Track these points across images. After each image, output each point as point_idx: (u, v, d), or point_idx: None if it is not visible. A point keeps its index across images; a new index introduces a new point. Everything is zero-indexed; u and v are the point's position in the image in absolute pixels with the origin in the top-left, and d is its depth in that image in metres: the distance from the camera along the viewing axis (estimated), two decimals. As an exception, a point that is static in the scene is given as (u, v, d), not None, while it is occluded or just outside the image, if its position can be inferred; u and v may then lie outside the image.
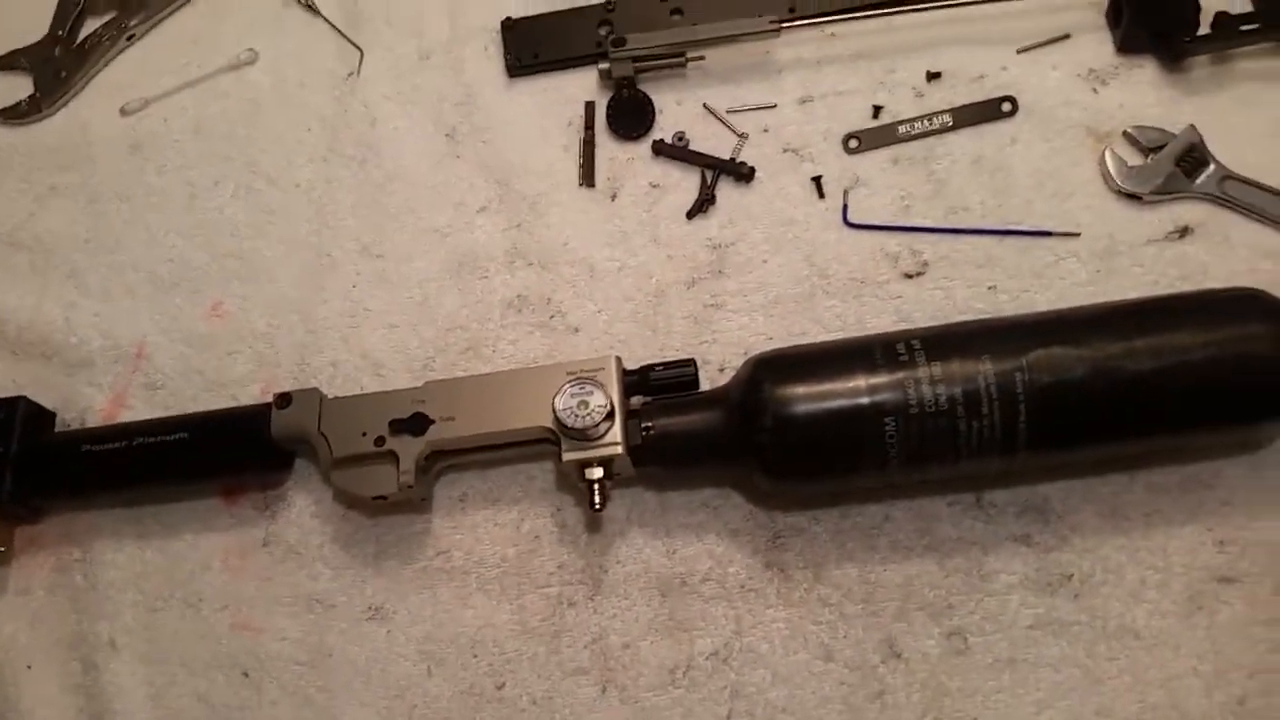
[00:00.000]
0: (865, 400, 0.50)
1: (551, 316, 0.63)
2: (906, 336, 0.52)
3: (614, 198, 0.65)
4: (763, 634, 0.55)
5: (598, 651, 0.56)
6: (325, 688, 0.57)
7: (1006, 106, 0.62)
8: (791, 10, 0.64)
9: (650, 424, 0.54)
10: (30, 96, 0.72)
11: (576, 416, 0.53)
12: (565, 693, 0.56)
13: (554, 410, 0.53)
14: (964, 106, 0.63)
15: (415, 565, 0.59)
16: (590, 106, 0.66)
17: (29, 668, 0.60)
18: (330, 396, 0.59)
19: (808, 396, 0.51)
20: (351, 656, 0.58)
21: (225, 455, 0.59)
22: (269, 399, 0.60)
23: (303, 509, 0.61)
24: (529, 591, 0.58)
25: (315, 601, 0.59)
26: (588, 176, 0.64)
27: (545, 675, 0.56)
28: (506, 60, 0.68)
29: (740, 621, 0.56)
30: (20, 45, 0.74)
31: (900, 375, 0.50)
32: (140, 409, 0.64)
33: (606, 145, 0.66)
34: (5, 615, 0.62)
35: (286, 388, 0.60)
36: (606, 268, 0.63)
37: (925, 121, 0.62)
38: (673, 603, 0.56)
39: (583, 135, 0.65)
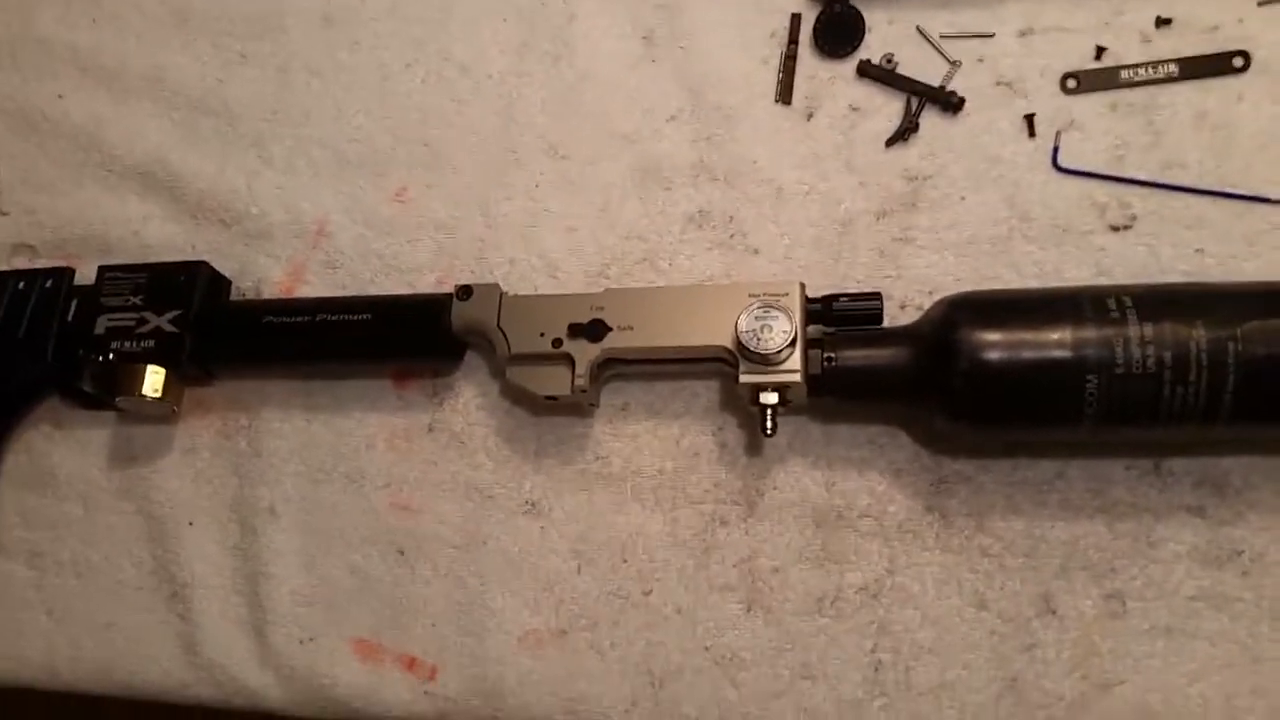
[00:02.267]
0: (1069, 354, 0.53)
1: (732, 235, 0.67)
2: (1117, 292, 0.54)
3: (810, 117, 0.68)
4: (915, 575, 0.60)
5: (746, 571, 0.62)
6: (478, 573, 0.64)
7: (1238, 62, 0.63)
8: (1021, -66, 0.65)
9: (833, 355, 0.58)
10: (228, -39, 0.77)
11: (759, 340, 0.57)
12: (710, 607, 0.61)
13: (736, 331, 0.58)
14: (1192, 58, 0.63)
15: (574, 466, 0.65)
16: (796, 19, 0.68)
17: (190, 524, 0.68)
18: (509, 293, 0.64)
19: (1007, 343, 0.54)
20: (505, 546, 0.64)
21: (404, 340, 0.65)
22: (445, 288, 0.65)
23: (469, 399, 0.67)
24: (683, 505, 0.63)
25: (474, 490, 0.66)
26: (785, 93, 0.68)
27: (692, 588, 0.62)
28: (714, -39, 0.70)
29: (894, 560, 0.60)
30: (220, -90, 0.79)
31: (1109, 332, 0.53)
32: (317, 286, 0.71)
33: (808, 61, 0.68)
34: (170, 472, 0.70)
35: (463, 279, 0.66)
36: (794, 190, 0.66)
37: (1150, 69, 0.63)
38: (826, 534, 0.61)
39: (785, 49, 0.68)
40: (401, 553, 0.65)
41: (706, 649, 0.61)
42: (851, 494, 0.62)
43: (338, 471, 0.67)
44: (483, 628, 0.63)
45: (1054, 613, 0.58)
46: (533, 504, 0.65)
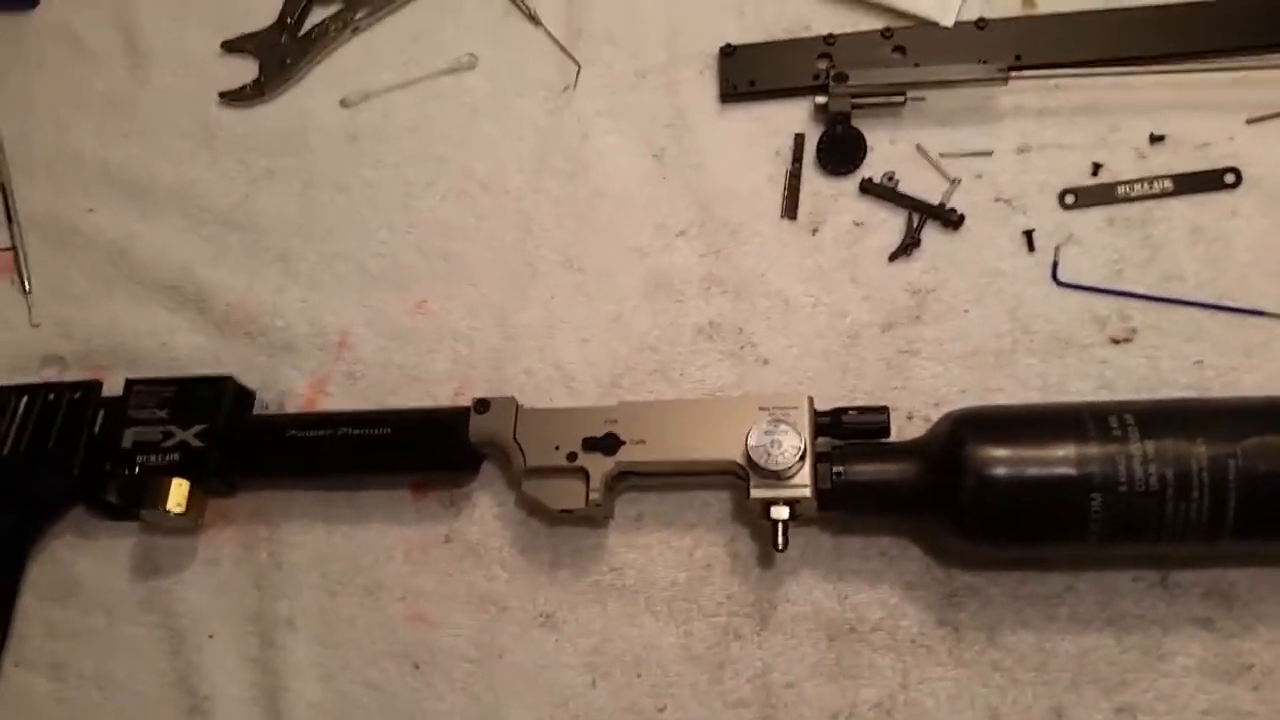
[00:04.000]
0: (1073, 471, 0.56)
1: (742, 346, 0.70)
2: (1119, 409, 0.57)
3: (815, 232, 0.72)
4: (929, 690, 0.62)
5: (760, 687, 0.64)
6: (492, 687, 0.66)
7: (1230, 178, 0.67)
8: (1018, 58, 0.70)
9: (842, 469, 0.61)
10: (255, 81, 0.83)
11: (769, 456, 0.60)
12: (725, 723, 0.64)
13: (746, 447, 0.61)
14: (1186, 174, 0.67)
15: (588, 578, 0.67)
16: (800, 139, 0.73)
17: (211, 637, 0.71)
18: (525, 406, 0.68)
19: (1012, 460, 0.57)
20: (520, 660, 0.67)
21: (423, 453, 0.69)
22: (463, 398, 0.69)
23: (485, 510, 0.70)
24: (696, 618, 0.66)
25: (490, 602, 0.68)
26: (790, 209, 0.72)
27: (706, 704, 0.64)
28: (721, 86, 0.76)
29: (908, 675, 0.62)
30: (249, 31, 0.85)
31: (1111, 449, 0.55)
32: (339, 397, 0.74)
33: (812, 179, 0.73)
34: (192, 583, 0.72)
35: (481, 389, 0.70)
36: (802, 302, 0.70)
37: (1145, 184, 0.68)
38: (840, 648, 0.63)
39: (789, 167, 0.73)
40: (417, 666, 0.68)
41: (721, 766, 0.63)
42: (864, 607, 0.64)
43: (355, 583, 0.70)
44: (498, 744, 0.66)
45: (1067, 727, 0.60)
46: (547, 616, 0.67)
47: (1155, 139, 0.68)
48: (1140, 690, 0.60)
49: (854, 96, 0.70)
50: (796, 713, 0.63)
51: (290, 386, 0.75)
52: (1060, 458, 0.56)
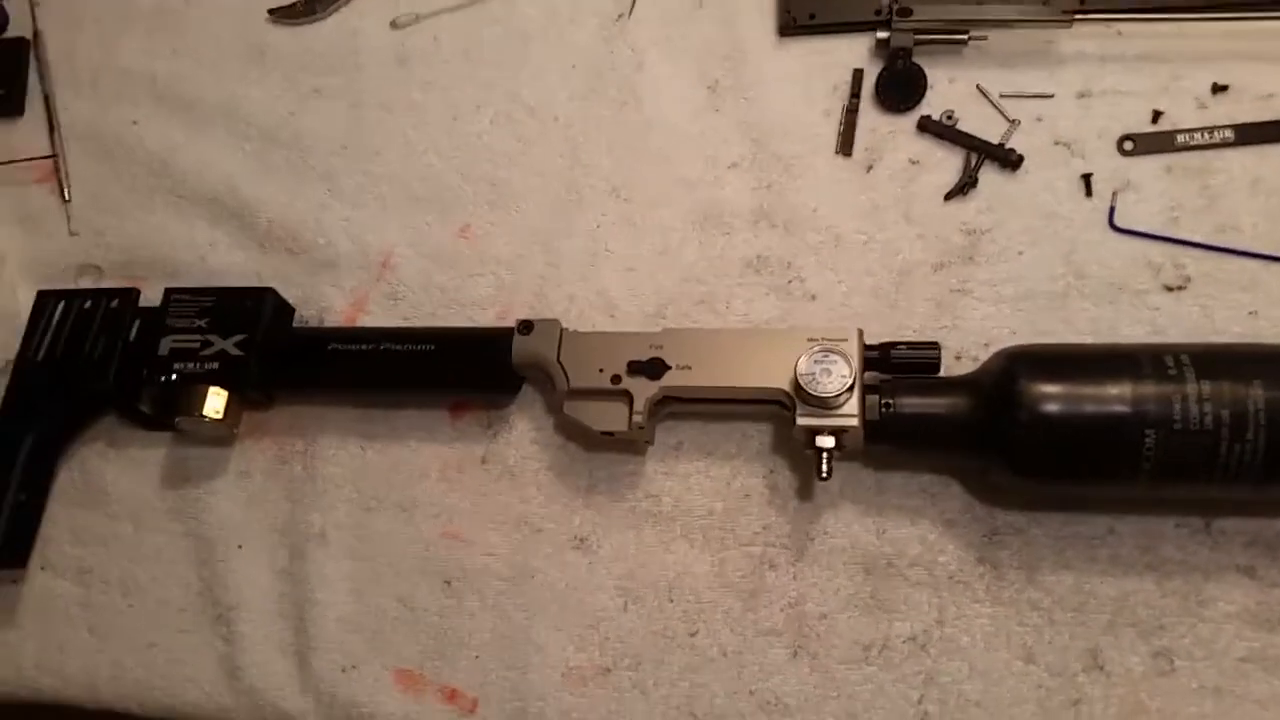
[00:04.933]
0: (1128, 409, 0.56)
1: (790, 281, 0.71)
2: (1175, 350, 0.58)
3: (870, 169, 0.72)
4: (965, 627, 0.62)
5: (793, 616, 0.64)
6: (524, 606, 0.67)
7: (1294, 128, 0.68)
8: (1081, 1, 0.70)
9: (891, 401, 0.61)
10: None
11: (818, 383, 0.61)
12: (756, 650, 0.64)
13: (795, 373, 0.61)
14: (1248, 124, 0.68)
15: (624, 504, 0.68)
16: (859, 74, 0.73)
17: (240, 546, 0.72)
18: (569, 330, 0.68)
19: (1067, 397, 0.58)
20: (552, 581, 0.68)
21: (465, 372, 0.69)
22: (505, 323, 0.70)
23: (523, 433, 0.71)
24: (732, 547, 0.66)
25: (524, 523, 0.69)
26: (846, 145, 0.72)
27: (738, 630, 0.65)
28: (780, 17, 0.76)
29: (944, 611, 0.63)
30: (302, -51, 0.86)
31: (1168, 389, 0.56)
32: (379, 317, 0.75)
33: (869, 116, 0.73)
34: (224, 493, 0.73)
35: (524, 315, 0.70)
36: (853, 239, 0.71)
37: (1206, 134, 0.68)
38: (876, 582, 0.64)
39: (847, 102, 0.73)
40: (449, 584, 0.69)
41: (751, 693, 0.64)
42: (903, 542, 0.65)
43: (390, 500, 0.71)
44: (526, 662, 0.66)
45: (1102, 669, 0.60)
46: (581, 539, 0.68)
47: (1218, 89, 0.69)
48: (1178, 635, 0.60)
49: (916, 32, 0.71)
50: (828, 643, 0.64)
51: (330, 304, 0.76)
52: (1115, 395, 0.57)
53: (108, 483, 0.75)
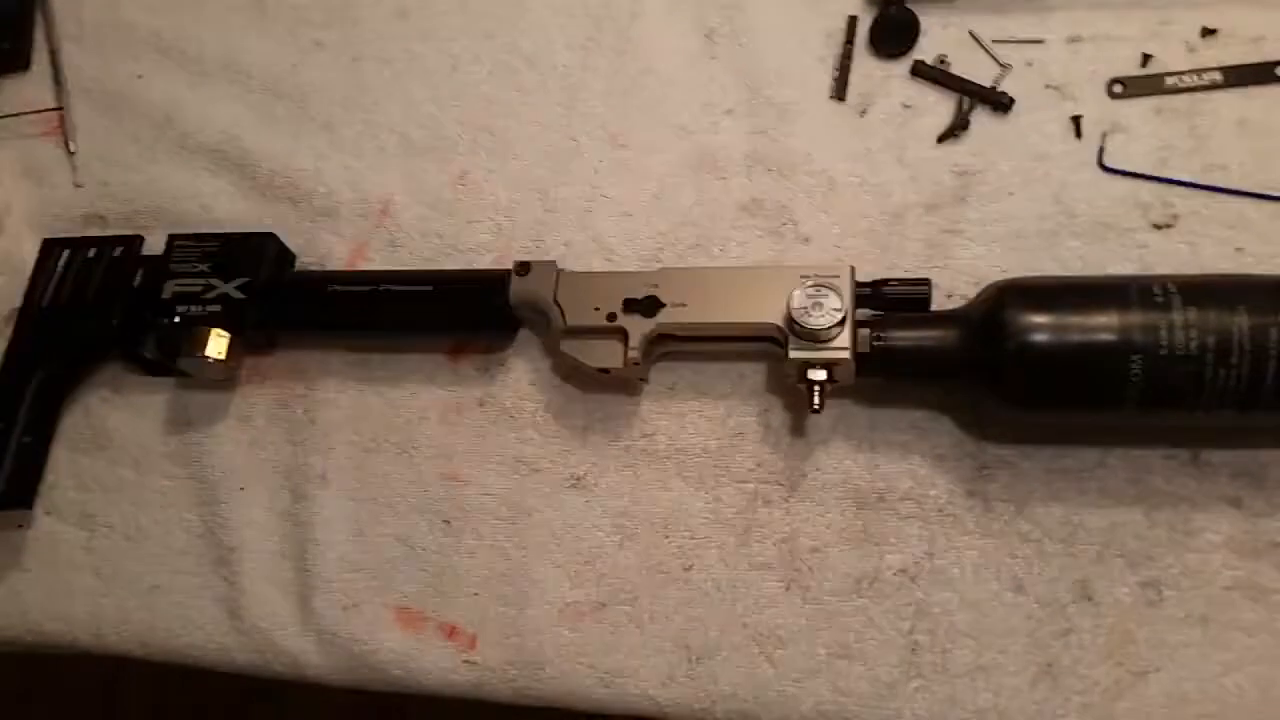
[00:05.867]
0: (1114, 337, 0.57)
1: (784, 224, 0.73)
2: (1162, 280, 0.59)
3: (863, 114, 0.74)
4: (955, 559, 0.64)
5: (786, 551, 0.66)
6: (521, 544, 0.69)
7: (1281, 71, 0.69)
8: (1072, -53, 0.72)
9: (882, 334, 0.63)
10: (306, -48, 0.85)
11: (810, 316, 0.62)
12: (749, 584, 0.66)
13: (788, 307, 0.63)
14: (1236, 66, 0.69)
15: (620, 443, 0.70)
16: (853, 20, 0.75)
17: (241, 489, 0.73)
18: (566, 270, 0.70)
19: (1054, 326, 0.59)
20: (549, 519, 0.69)
21: (463, 313, 0.71)
22: (504, 268, 0.71)
23: (520, 375, 0.72)
24: (726, 484, 0.68)
25: (522, 463, 0.71)
26: (840, 90, 0.74)
27: (732, 565, 0.66)
28: (776, -35, 0.77)
29: (934, 543, 0.64)
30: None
31: (1154, 316, 0.57)
32: (379, 263, 0.77)
33: (863, 61, 0.75)
34: (225, 437, 0.75)
35: (521, 260, 0.71)
36: (846, 182, 0.72)
37: (1194, 76, 0.69)
38: (867, 516, 0.66)
39: (841, 48, 0.75)
40: (448, 523, 0.70)
41: (744, 625, 0.65)
42: (893, 477, 0.66)
43: (390, 442, 0.73)
44: (524, 599, 0.68)
45: (1090, 599, 0.62)
46: (578, 478, 0.70)
47: (1207, 32, 0.70)
48: (1166, 565, 0.62)
49: (908, -23, 0.72)
50: (821, 576, 0.65)
51: (330, 251, 0.78)
52: (1102, 323, 0.58)
53: (111, 428, 0.77)
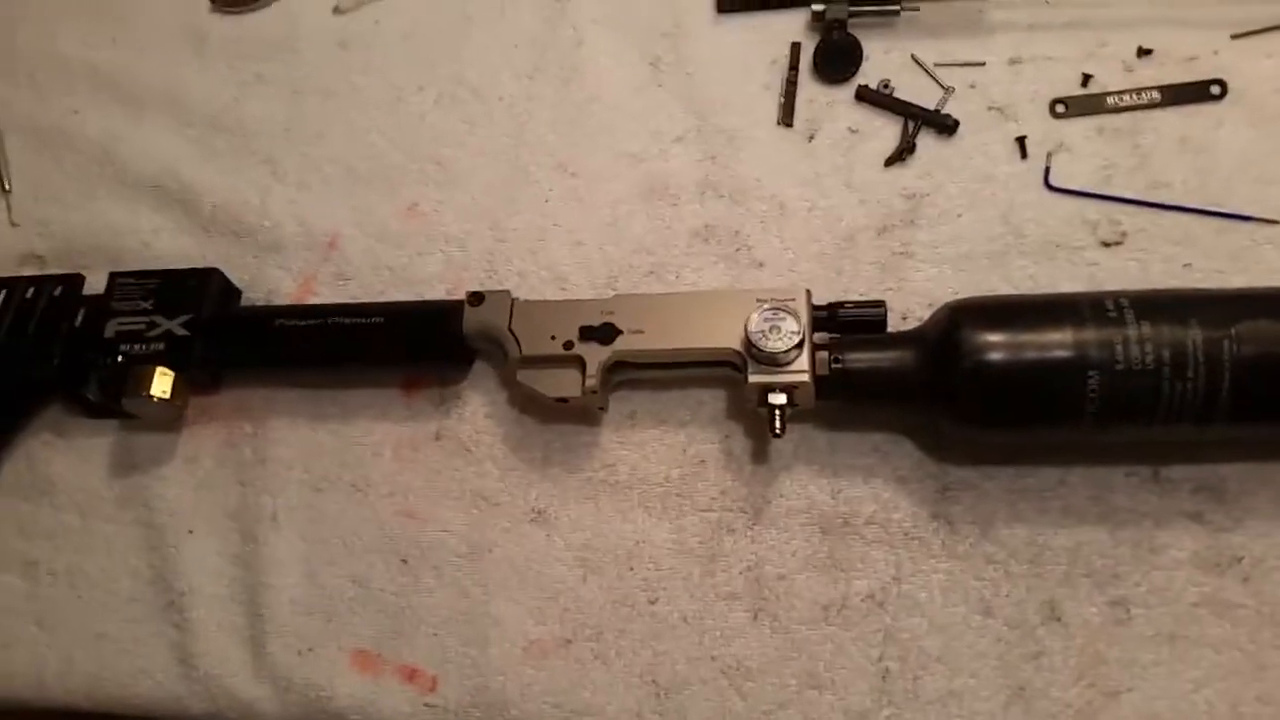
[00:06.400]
0: (1070, 353, 0.54)
1: (737, 249, 0.68)
2: (1114, 295, 0.56)
3: (811, 139, 0.70)
4: (922, 583, 0.60)
5: (752, 579, 0.61)
6: (481, 582, 0.63)
7: (1216, 90, 0.66)
8: (1011, -28, 0.69)
9: (840, 356, 0.59)
10: (245, -14, 0.80)
11: (768, 339, 0.58)
12: (716, 615, 0.61)
13: (745, 331, 0.59)
14: (1174, 85, 0.67)
15: (580, 475, 0.65)
16: (796, 47, 0.71)
17: (190, 532, 0.67)
18: (520, 299, 0.65)
19: (1009, 345, 0.55)
20: (510, 555, 0.64)
21: (415, 345, 0.65)
22: (457, 298, 0.66)
23: (477, 408, 0.67)
24: (689, 513, 0.63)
25: (481, 498, 0.65)
26: (787, 115, 0.70)
27: (698, 596, 0.61)
28: (718, -4, 0.74)
29: (900, 568, 0.60)
30: (240, -61, 0.82)
31: (1109, 331, 0.54)
32: (328, 297, 0.71)
33: (808, 87, 0.71)
34: (172, 480, 0.69)
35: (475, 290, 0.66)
36: (797, 207, 0.68)
37: (1134, 95, 0.67)
38: (833, 541, 0.61)
39: (786, 75, 0.71)
40: (405, 561, 0.64)
41: (713, 658, 0.60)
42: (857, 501, 0.62)
43: (343, 480, 0.67)
44: (485, 638, 0.62)
45: (1059, 620, 0.58)
46: (539, 512, 0.64)
47: (1143, 52, 0.68)
48: (1133, 584, 0.58)
49: (851, 4, 0.69)
50: (788, 604, 0.61)
51: (277, 286, 0.72)
52: (1057, 340, 0.55)
53: (54, 473, 0.70)
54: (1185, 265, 0.63)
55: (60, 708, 0.66)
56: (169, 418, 0.68)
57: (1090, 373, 0.54)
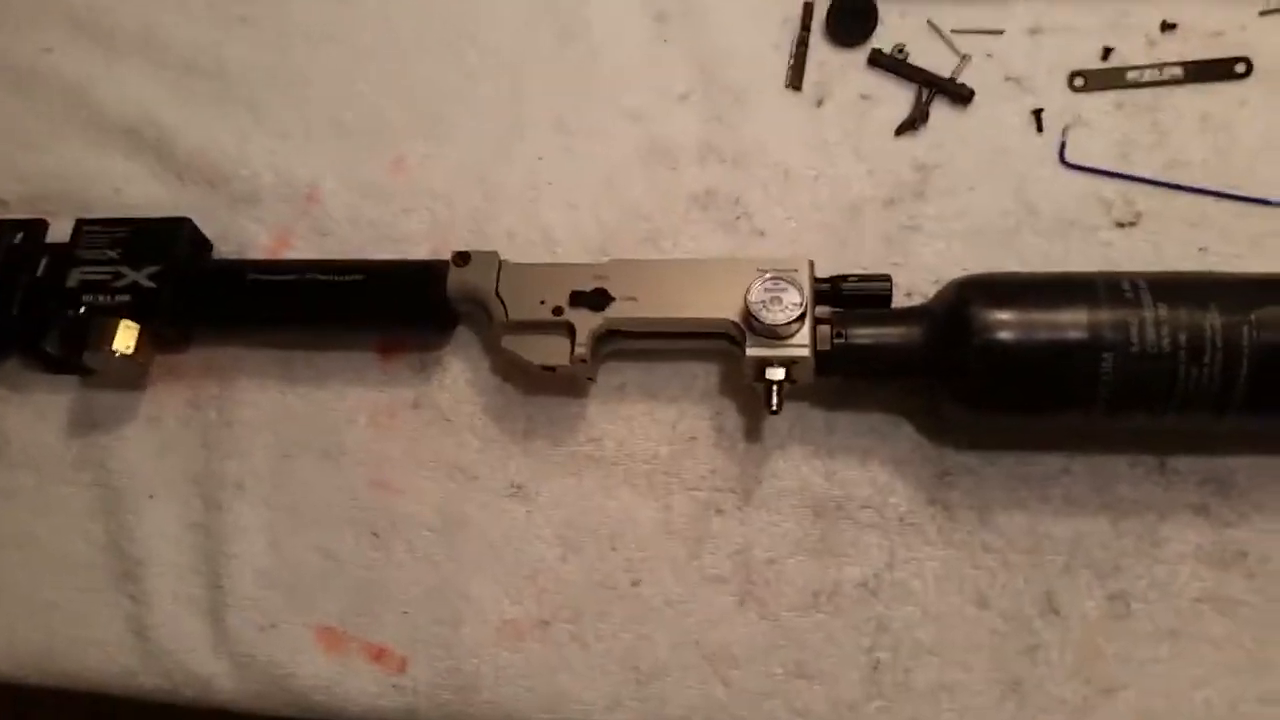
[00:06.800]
0: (1084, 334, 0.52)
1: (738, 217, 0.66)
2: (1130, 276, 0.54)
3: (820, 104, 0.67)
4: (916, 570, 0.58)
5: (740, 563, 0.59)
6: (455, 557, 0.61)
7: (1241, 68, 0.64)
8: (1032, -61, 0.67)
9: (843, 331, 0.56)
10: (231, -73, 0.76)
11: (768, 311, 0.56)
12: (702, 600, 0.59)
13: (745, 302, 0.56)
14: (1197, 62, 0.64)
15: (564, 449, 0.62)
16: (809, 7, 0.68)
17: (151, 497, 0.64)
18: (509, 261, 0.62)
19: (1020, 323, 0.53)
20: (486, 530, 0.61)
21: (396, 305, 0.63)
22: (442, 258, 0.63)
23: (458, 375, 0.64)
24: (677, 492, 0.61)
25: (458, 470, 0.62)
26: (796, 79, 0.67)
27: (683, 579, 0.59)
28: (729, -51, 0.70)
29: (894, 554, 0.58)
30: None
31: (1124, 313, 0.52)
32: (305, 252, 0.68)
33: (819, 49, 0.68)
34: (133, 441, 0.65)
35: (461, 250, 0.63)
36: (802, 175, 0.66)
37: (1156, 70, 0.64)
38: (825, 525, 0.59)
39: (797, 35, 0.68)
40: (376, 535, 0.62)
41: (696, 644, 0.58)
42: (852, 484, 0.60)
43: (314, 446, 0.64)
44: (459, 617, 0.60)
45: (1057, 612, 0.56)
46: (518, 486, 0.62)
47: (1166, 26, 0.65)
48: (1134, 576, 0.56)
49: (866, -36, 0.66)
50: (777, 590, 0.58)
51: (251, 239, 0.69)
52: (1070, 319, 0.53)
53: (7, 430, 0.67)
54: (1201, 249, 0.61)
55: (4, 680, 0.63)
56: (132, 375, 0.65)
57: (1104, 355, 0.52)
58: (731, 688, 0.57)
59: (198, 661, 0.61)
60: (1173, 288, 0.53)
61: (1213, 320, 0.51)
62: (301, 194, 0.69)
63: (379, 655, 0.60)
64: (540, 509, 0.61)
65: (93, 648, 0.62)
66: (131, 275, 0.63)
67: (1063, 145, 0.64)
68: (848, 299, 0.59)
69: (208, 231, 0.68)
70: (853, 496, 0.59)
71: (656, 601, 0.59)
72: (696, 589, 0.59)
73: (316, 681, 0.60)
